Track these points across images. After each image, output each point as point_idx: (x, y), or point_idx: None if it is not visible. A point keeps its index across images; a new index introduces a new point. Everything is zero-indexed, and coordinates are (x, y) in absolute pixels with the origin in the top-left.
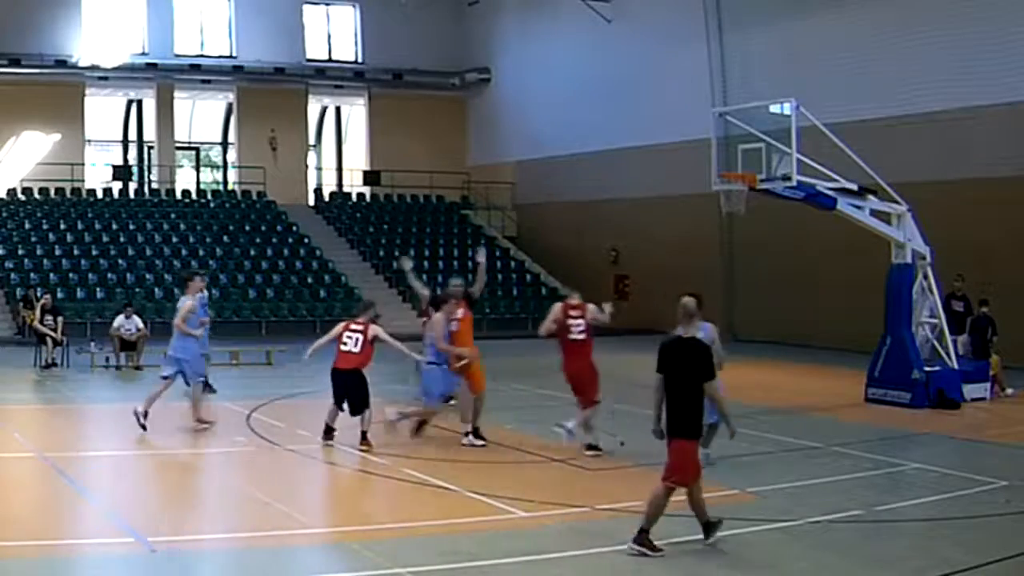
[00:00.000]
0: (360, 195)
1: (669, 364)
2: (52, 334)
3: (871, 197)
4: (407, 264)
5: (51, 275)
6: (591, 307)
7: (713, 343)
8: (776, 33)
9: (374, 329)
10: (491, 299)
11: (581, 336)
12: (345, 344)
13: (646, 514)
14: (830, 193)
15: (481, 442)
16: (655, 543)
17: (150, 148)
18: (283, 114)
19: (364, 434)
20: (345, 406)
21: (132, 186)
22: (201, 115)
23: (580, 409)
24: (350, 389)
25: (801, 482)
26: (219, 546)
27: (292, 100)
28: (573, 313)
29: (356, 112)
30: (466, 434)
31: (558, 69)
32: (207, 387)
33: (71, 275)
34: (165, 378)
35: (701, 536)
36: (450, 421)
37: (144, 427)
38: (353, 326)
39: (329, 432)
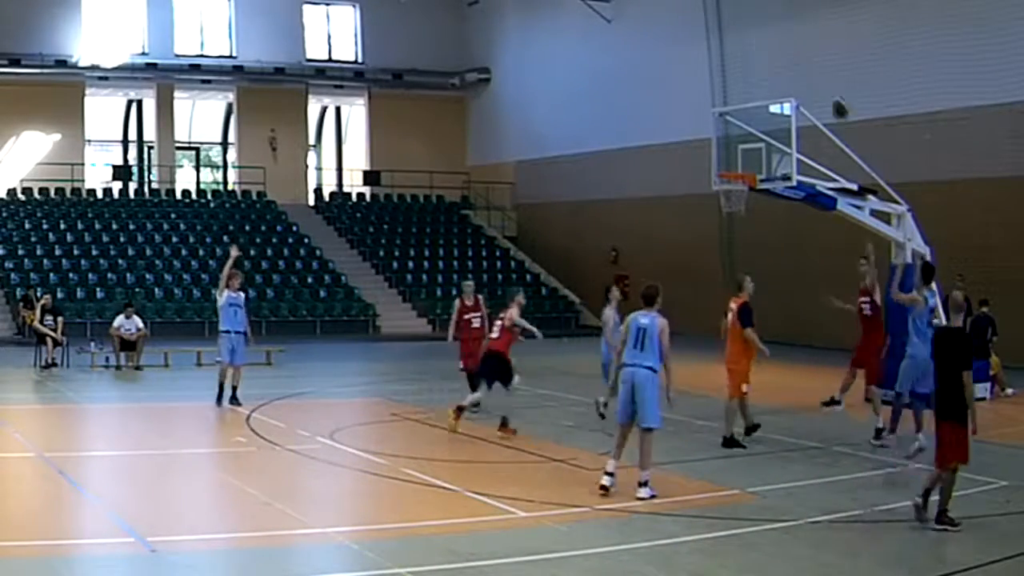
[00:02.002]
0: (360, 195)
1: (938, 352)
2: (52, 334)
3: (871, 197)
4: None
5: (51, 275)
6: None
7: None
8: (776, 33)
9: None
10: (490, 299)
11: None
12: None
13: (939, 498)
14: (830, 193)
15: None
16: (953, 519)
17: (150, 148)
18: (283, 114)
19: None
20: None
21: (132, 186)
22: (201, 115)
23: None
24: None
25: (801, 482)
26: (219, 546)
27: (292, 100)
28: (863, 298)
29: (356, 112)
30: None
31: (558, 69)
32: (234, 400)
33: (71, 275)
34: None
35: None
36: (448, 421)
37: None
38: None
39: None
